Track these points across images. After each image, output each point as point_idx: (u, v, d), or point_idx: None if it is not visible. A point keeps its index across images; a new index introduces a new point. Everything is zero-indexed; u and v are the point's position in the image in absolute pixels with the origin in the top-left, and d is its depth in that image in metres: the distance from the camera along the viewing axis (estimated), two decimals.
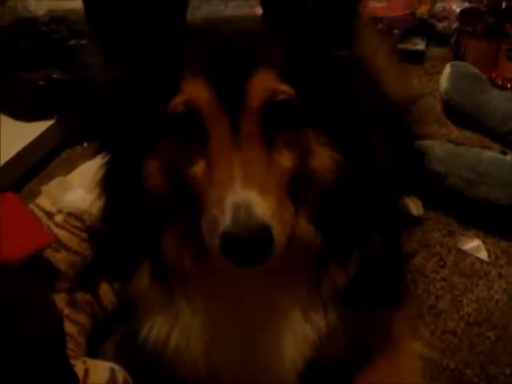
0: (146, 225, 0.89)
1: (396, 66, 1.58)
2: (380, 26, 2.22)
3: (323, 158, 0.87)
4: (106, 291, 1.17)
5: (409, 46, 2.26)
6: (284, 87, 0.83)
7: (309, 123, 0.86)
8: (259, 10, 2.99)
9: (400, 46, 2.24)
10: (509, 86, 2.08)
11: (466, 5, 2.27)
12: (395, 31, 2.24)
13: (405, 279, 1.28)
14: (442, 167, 1.48)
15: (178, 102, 0.82)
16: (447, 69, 1.62)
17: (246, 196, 0.74)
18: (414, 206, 1.51)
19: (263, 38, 0.88)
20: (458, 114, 1.61)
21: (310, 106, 0.85)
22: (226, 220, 0.73)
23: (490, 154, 1.51)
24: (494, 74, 2.11)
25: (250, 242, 0.72)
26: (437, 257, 1.44)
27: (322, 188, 0.88)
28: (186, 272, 0.91)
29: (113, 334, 1.18)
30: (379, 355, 1.08)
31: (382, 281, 1.06)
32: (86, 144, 1.87)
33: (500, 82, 2.09)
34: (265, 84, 0.81)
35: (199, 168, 0.82)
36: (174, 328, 0.96)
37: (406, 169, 1.43)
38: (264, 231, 0.73)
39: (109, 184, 0.93)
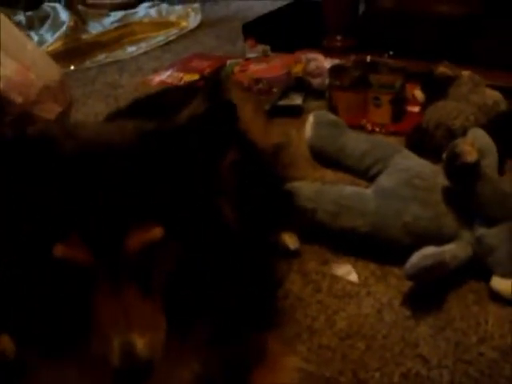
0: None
1: (262, 117, 1.77)
2: (260, 85, 2.45)
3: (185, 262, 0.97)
4: (7, 341, 1.26)
5: (287, 102, 2.47)
6: (156, 232, 0.90)
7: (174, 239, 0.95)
8: (153, 80, 3.18)
9: (280, 102, 2.46)
10: (377, 129, 2.30)
11: (336, 62, 2.53)
12: (274, 90, 2.46)
13: (277, 305, 1.43)
14: (310, 204, 1.65)
15: (59, 250, 0.87)
16: (310, 118, 1.82)
17: (128, 338, 0.87)
18: (291, 241, 1.67)
19: (134, 183, 0.92)
20: (323, 157, 1.80)
21: (176, 230, 0.94)
22: (115, 358, 0.87)
23: (352, 189, 1.69)
24: (364, 121, 2.33)
25: (135, 375, 0.88)
26: (313, 283, 1.59)
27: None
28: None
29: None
30: (258, 373, 1.21)
31: (253, 311, 1.19)
32: None
33: (370, 128, 2.31)
34: (140, 240, 0.89)
35: (91, 296, 0.91)
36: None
37: (278, 208, 1.61)
38: (146, 364, 0.88)
39: None
